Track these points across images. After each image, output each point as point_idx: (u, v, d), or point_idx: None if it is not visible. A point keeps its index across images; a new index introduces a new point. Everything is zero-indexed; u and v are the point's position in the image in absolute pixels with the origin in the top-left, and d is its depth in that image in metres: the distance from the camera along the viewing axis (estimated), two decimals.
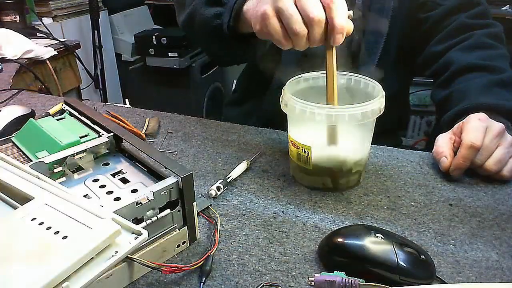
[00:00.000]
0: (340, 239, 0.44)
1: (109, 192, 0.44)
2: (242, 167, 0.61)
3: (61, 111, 0.60)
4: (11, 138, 0.55)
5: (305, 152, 0.55)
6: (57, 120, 0.57)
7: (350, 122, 0.51)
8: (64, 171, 0.48)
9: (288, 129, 0.59)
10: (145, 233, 0.36)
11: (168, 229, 0.45)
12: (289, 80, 0.59)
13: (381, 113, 0.53)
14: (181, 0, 0.79)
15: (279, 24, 0.52)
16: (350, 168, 0.56)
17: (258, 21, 0.55)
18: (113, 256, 0.34)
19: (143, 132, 0.73)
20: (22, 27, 1.50)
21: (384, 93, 0.55)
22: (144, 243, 0.41)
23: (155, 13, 2.69)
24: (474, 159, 0.58)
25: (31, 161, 0.47)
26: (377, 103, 0.52)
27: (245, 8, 0.62)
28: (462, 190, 0.58)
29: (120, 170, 0.49)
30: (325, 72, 0.55)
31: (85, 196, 0.44)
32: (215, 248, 0.46)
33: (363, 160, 0.58)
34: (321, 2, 0.49)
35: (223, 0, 0.66)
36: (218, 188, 0.56)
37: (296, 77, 0.60)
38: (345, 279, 0.39)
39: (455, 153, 0.59)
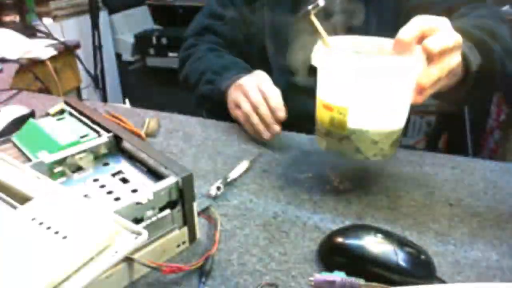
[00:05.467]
0: (340, 239, 0.44)
1: (109, 192, 0.44)
2: (242, 167, 0.61)
3: (61, 111, 0.60)
4: (11, 138, 0.55)
5: (340, 114, 0.50)
6: (57, 120, 0.57)
7: (397, 75, 0.47)
8: (64, 171, 0.48)
9: (317, 90, 0.54)
10: (145, 233, 0.36)
11: (168, 229, 0.45)
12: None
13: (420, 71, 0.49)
14: (182, 60, 0.93)
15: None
16: (388, 132, 0.51)
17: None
18: (113, 256, 0.34)
19: (143, 132, 0.73)
20: (22, 27, 1.51)
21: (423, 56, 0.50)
22: (144, 243, 0.41)
23: (155, 13, 2.69)
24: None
25: (31, 161, 0.47)
26: (421, 57, 0.48)
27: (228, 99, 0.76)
28: (462, 190, 0.58)
29: (120, 170, 0.48)
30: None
31: (85, 196, 0.44)
32: (215, 248, 0.46)
33: (402, 126, 0.53)
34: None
35: (214, 82, 0.79)
36: (218, 188, 0.56)
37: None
38: (345, 279, 0.39)
39: None
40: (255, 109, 0.67)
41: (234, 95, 0.72)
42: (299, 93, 0.77)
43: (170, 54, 2.34)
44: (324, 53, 0.51)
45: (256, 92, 0.68)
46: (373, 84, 0.49)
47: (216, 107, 0.79)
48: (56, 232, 0.35)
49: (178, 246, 0.46)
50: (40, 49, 1.31)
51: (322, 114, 0.53)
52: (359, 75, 0.48)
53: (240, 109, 0.70)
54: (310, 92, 0.86)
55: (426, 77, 0.49)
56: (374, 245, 0.42)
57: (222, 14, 0.92)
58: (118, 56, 2.51)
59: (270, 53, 0.88)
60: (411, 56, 0.49)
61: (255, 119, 0.67)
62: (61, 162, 0.48)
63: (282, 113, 0.66)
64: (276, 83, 0.82)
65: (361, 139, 0.51)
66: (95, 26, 2.14)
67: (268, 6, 0.86)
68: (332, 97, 0.51)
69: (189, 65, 0.90)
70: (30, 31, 1.52)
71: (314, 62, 0.52)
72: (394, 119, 0.52)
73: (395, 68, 0.47)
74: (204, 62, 0.86)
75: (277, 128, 0.66)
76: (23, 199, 0.39)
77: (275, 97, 0.67)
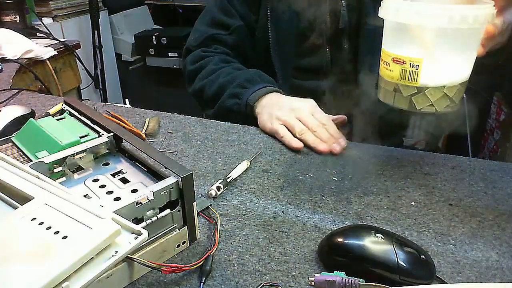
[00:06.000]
0: (340, 239, 0.44)
1: (109, 192, 0.44)
2: (242, 167, 0.61)
3: (61, 111, 0.60)
4: (11, 138, 0.55)
5: (413, 66, 0.49)
6: (57, 120, 0.57)
7: (477, 24, 0.46)
8: (64, 171, 0.48)
9: (385, 44, 0.53)
10: (145, 233, 0.36)
11: (168, 229, 0.45)
12: None
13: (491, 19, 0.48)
14: (192, 74, 0.91)
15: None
16: (460, 83, 0.50)
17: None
18: (113, 256, 0.34)
19: (143, 132, 0.73)
20: (22, 27, 1.50)
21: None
22: (144, 243, 0.41)
23: (155, 13, 2.69)
24: None
25: (31, 161, 0.47)
26: (493, 7, 0.47)
27: (258, 112, 0.76)
28: (462, 190, 0.58)
29: (120, 170, 0.49)
30: None
31: (85, 196, 0.44)
32: (215, 248, 0.46)
33: (468, 78, 0.52)
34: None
35: (240, 95, 0.79)
36: (218, 188, 0.56)
37: None
38: (345, 279, 0.39)
39: None
40: (312, 132, 0.69)
41: (282, 114, 0.72)
42: (301, 95, 0.77)
43: (170, 54, 2.34)
44: (396, 4, 0.49)
45: (313, 119, 0.70)
46: (451, 33, 0.48)
47: (241, 120, 0.78)
48: (56, 232, 0.35)
49: (178, 246, 0.46)
50: (40, 49, 1.31)
51: (391, 68, 0.52)
52: (437, 24, 0.46)
53: (283, 124, 0.71)
54: (312, 94, 0.87)
55: (494, 26, 0.50)
56: (374, 245, 0.42)
57: (227, 23, 0.90)
58: (118, 56, 2.51)
59: (274, 58, 0.88)
60: (488, 5, 0.48)
61: (311, 136, 0.68)
62: (61, 162, 0.48)
63: (344, 141, 0.67)
64: (279, 87, 0.83)
65: (433, 92, 0.50)
66: (95, 26, 2.14)
67: (272, 13, 0.86)
68: (405, 49, 0.50)
69: (203, 78, 0.88)
70: (30, 31, 1.52)
71: (385, 14, 0.51)
72: (465, 71, 0.51)
73: (475, 16, 0.46)
74: (222, 75, 0.85)
75: (337, 147, 0.66)
76: (23, 199, 0.39)
77: (333, 126, 0.70)
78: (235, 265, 0.45)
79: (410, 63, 0.49)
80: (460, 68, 0.51)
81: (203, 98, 0.88)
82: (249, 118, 0.78)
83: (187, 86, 0.95)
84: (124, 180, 0.47)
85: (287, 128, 0.70)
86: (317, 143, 0.67)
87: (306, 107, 0.72)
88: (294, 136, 0.69)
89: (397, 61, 0.50)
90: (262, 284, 0.42)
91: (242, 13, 0.89)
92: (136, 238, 0.36)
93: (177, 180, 0.43)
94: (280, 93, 0.78)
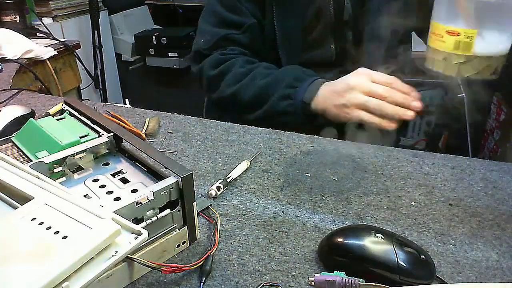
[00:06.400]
0: (340, 239, 0.44)
1: (109, 192, 0.44)
2: (242, 167, 0.61)
3: (61, 111, 0.60)
4: (11, 138, 0.55)
5: (468, 37, 0.53)
6: (57, 120, 0.57)
7: None
8: (64, 171, 0.48)
9: (438, 19, 0.56)
10: (145, 233, 0.36)
11: (168, 229, 0.45)
12: None
13: None
14: (215, 79, 0.86)
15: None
16: (503, 56, 0.55)
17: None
18: (113, 256, 0.34)
19: (143, 132, 0.73)
20: (22, 27, 1.50)
21: None
22: (144, 243, 0.41)
23: (155, 13, 2.69)
24: None
25: (31, 161, 0.47)
26: None
27: (321, 108, 0.74)
28: (462, 190, 0.58)
29: (120, 170, 0.49)
30: None
31: (85, 196, 0.44)
32: (215, 248, 0.46)
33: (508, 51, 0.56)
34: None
35: (292, 96, 0.77)
36: (218, 188, 0.56)
37: None
38: (345, 279, 0.39)
39: None
40: (385, 99, 0.66)
41: (347, 99, 0.69)
42: None
43: (170, 54, 2.34)
44: None
45: (377, 86, 0.67)
46: (502, 6, 0.51)
47: (294, 121, 0.76)
48: (56, 232, 0.35)
49: (178, 246, 0.46)
50: (40, 49, 1.31)
51: (444, 40, 0.55)
52: None
53: (361, 108, 0.68)
54: None
55: None
56: (374, 245, 0.42)
57: (239, 22, 0.87)
58: (118, 56, 2.51)
59: (281, 54, 0.88)
60: None
61: (389, 107, 0.66)
62: (61, 162, 0.48)
63: (414, 91, 0.66)
64: None
65: (481, 61, 0.54)
66: (95, 26, 2.14)
67: (277, 10, 0.85)
68: (460, 22, 0.53)
69: (234, 83, 0.83)
70: (30, 31, 1.52)
71: None
72: (509, 43, 0.54)
73: None
74: (259, 77, 0.81)
75: (418, 103, 0.65)
76: (23, 199, 0.39)
77: (397, 80, 0.67)
78: (235, 265, 0.45)
79: (465, 35, 0.53)
80: (505, 40, 0.54)
81: (237, 103, 0.83)
82: (304, 117, 0.76)
83: (208, 92, 0.90)
84: (124, 180, 0.47)
85: (364, 110, 0.68)
86: (400, 112, 0.65)
87: (362, 77, 0.69)
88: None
89: (451, 33, 0.54)
90: (262, 284, 0.42)
91: (251, 10, 0.86)
92: (136, 238, 0.36)
93: (177, 180, 0.43)
94: (324, 81, 0.76)
